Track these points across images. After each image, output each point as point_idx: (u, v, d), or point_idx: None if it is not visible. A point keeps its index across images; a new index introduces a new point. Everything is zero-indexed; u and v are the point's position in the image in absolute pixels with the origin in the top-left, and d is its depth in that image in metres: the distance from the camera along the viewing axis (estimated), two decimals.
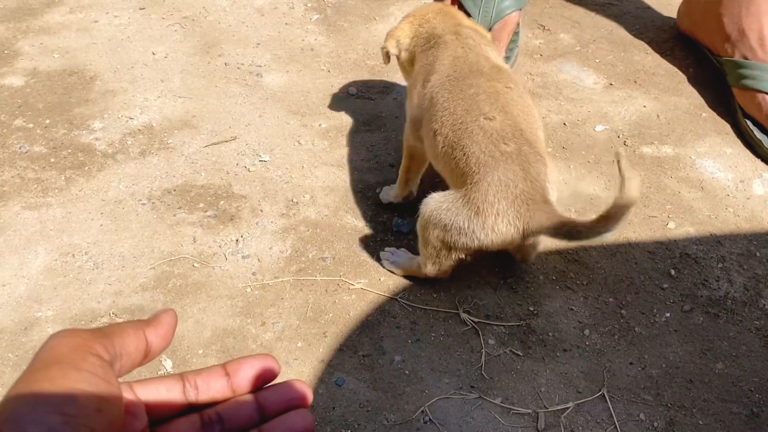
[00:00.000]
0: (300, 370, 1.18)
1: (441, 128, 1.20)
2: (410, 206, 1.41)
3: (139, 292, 1.29)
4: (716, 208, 1.47)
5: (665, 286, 1.33)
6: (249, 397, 0.53)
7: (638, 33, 1.95)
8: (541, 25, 1.96)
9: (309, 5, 2.02)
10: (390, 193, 1.44)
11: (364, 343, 1.23)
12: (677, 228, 1.43)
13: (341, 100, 1.71)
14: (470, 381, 1.18)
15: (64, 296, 1.28)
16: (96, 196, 1.47)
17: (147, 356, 0.49)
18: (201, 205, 1.46)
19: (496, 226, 1.11)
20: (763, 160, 1.56)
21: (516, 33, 1.81)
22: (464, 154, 1.14)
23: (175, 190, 1.48)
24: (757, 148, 1.57)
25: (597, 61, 1.85)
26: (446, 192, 1.19)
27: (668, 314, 1.28)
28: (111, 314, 1.25)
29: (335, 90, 1.74)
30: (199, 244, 1.38)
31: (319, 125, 1.64)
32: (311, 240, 1.39)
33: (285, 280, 1.32)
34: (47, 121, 1.62)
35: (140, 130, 1.61)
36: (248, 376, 0.52)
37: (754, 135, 1.58)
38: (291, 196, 1.48)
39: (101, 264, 1.34)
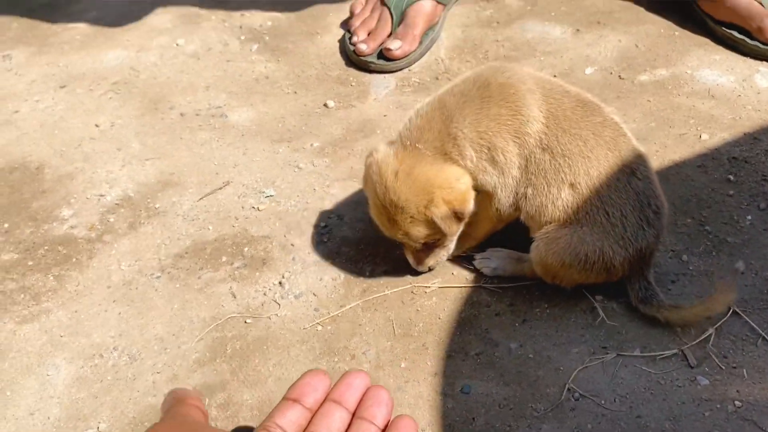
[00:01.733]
0: (417, 391, 1.03)
1: (579, 178, 1.05)
2: None
3: (196, 369, 1.10)
4: (736, 110, 1.45)
5: (731, 192, 1.28)
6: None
7: None
8: None
9: (243, 38, 1.88)
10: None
11: (471, 341, 1.09)
12: (711, 138, 1.39)
13: (322, 116, 1.58)
14: (599, 342, 1.07)
15: (111, 402, 1.06)
16: (99, 285, 1.26)
17: None
18: (224, 258, 1.28)
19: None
20: (751, 56, 1.57)
21: (434, 26, 1.75)
22: (620, 213, 1.04)
23: (187, 253, 1.30)
24: (741, 47, 1.58)
25: (552, 14, 1.82)
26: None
27: (749, 217, 1.23)
28: None
29: (311, 108, 1.61)
30: (240, 298, 1.20)
31: (311, 145, 1.51)
32: (360, 258, 1.25)
33: (354, 305, 1.17)
34: (5, 225, 1.39)
35: (118, 204, 1.41)
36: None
37: (735, 36, 1.59)
38: (316, 221, 1.33)
39: (138, 354, 1.13)
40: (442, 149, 1.08)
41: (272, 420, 0.56)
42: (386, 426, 0.59)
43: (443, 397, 1.02)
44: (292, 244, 1.29)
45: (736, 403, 0.97)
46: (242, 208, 1.37)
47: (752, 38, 1.57)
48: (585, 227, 1.05)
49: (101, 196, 1.44)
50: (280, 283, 1.22)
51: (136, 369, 1.11)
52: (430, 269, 1.19)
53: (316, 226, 1.32)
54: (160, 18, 2.01)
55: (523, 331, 1.10)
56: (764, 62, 1.56)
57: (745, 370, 1.01)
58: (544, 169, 1.06)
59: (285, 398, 0.57)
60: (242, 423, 1.01)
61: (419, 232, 1.09)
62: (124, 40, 1.93)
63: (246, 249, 1.29)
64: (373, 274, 1.22)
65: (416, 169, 1.06)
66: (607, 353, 1.05)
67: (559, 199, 1.06)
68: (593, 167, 1.05)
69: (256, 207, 1.37)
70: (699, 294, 1.12)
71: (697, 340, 1.05)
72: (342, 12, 1.93)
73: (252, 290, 1.22)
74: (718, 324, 1.07)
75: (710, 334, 1.05)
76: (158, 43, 1.90)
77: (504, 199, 1.10)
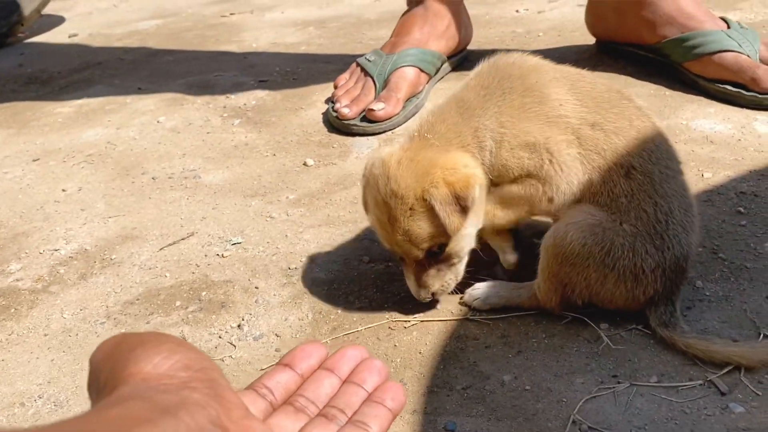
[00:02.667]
0: (393, 430, 0.85)
1: (635, 160, 0.93)
2: None
3: None
4: (737, 152, 1.36)
5: (743, 222, 1.15)
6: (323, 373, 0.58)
7: (560, 62, 1.93)
8: None
9: (225, 115, 1.85)
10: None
11: (456, 375, 0.92)
12: (714, 176, 1.29)
13: (301, 173, 1.50)
14: (608, 371, 0.90)
15: None
16: (34, 333, 1.10)
17: None
18: (178, 303, 1.13)
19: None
20: (750, 108, 1.51)
21: (418, 94, 1.73)
22: (668, 207, 0.92)
23: (138, 300, 1.15)
24: (739, 100, 1.52)
25: None
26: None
27: (767, 244, 1.10)
28: None
29: (290, 167, 1.53)
30: (192, 341, 1.04)
31: (287, 198, 1.41)
32: (332, 297, 1.10)
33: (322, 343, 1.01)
34: None
35: (72, 257, 1.29)
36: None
37: (730, 90, 1.54)
38: (285, 265, 1.20)
39: (65, 402, 0.96)
40: (458, 141, 0.97)
41: (261, 381, 0.55)
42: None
43: None
44: (257, 287, 1.15)
45: None
46: (205, 256, 1.25)
47: (748, 90, 1.52)
48: (625, 225, 0.92)
49: (55, 250, 1.32)
50: (239, 325, 1.07)
51: (61, 416, 0.93)
52: (434, 297, 1.01)
53: (285, 269, 1.18)
54: (144, 102, 1.99)
55: (518, 363, 0.93)
56: (763, 111, 1.49)
57: None
58: (602, 149, 0.94)
59: (277, 363, 0.57)
60: None
61: (420, 228, 0.94)
62: (106, 120, 1.90)
63: (204, 293, 1.15)
64: (345, 312, 1.07)
65: (420, 154, 0.96)
66: (619, 383, 0.88)
67: (617, 186, 0.93)
68: (645, 148, 0.93)
69: (220, 254, 1.25)
70: (720, 319, 0.96)
71: (726, 369, 0.88)
72: (328, 91, 1.90)
73: (206, 333, 1.06)
74: None
75: None
76: (139, 121, 1.86)
77: (564, 186, 0.95)
